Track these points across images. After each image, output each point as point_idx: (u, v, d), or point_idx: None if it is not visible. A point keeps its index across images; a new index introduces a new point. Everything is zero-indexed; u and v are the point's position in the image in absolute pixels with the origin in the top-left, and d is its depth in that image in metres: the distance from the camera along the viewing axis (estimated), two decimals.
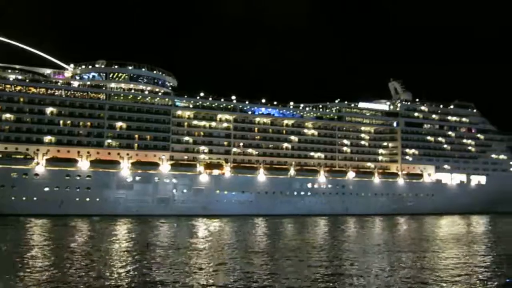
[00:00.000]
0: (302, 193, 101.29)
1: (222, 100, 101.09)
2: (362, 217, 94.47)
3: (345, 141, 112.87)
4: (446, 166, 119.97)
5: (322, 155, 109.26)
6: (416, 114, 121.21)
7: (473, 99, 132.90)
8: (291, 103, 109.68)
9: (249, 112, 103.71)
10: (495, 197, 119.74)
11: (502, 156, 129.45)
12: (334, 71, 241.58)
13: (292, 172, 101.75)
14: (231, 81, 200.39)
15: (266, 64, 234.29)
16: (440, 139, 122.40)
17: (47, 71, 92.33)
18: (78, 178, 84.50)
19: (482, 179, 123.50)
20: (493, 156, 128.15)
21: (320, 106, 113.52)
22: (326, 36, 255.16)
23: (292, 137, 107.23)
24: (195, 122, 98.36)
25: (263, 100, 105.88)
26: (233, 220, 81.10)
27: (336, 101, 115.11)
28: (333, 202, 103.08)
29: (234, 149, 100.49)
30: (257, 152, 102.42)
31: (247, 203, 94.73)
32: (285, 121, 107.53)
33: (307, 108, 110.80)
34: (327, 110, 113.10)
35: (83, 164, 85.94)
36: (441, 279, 34.15)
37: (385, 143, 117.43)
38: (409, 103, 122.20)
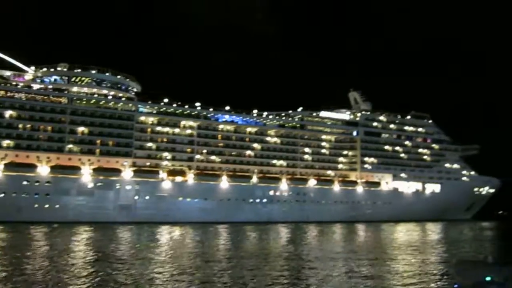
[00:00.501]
0: (264, 200, 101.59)
1: (186, 106, 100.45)
2: (322, 225, 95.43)
3: (307, 149, 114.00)
4: (403, 175, 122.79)
5: (284, 163, 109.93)
6: (375, 123, 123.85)
7: (428, 110, 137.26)
8: (255, 111, 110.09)
9: (213, 119, 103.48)
10: (449, 204, 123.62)
11: (455, 166, 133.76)
12: (297, 80, 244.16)
13: (254, 179, 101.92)
14: (196, 88, 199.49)
15: (232, 71, 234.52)
16: (397, 148, 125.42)
17: (7, 73, 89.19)
18: (37, 184, 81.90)
19: (437, 188, 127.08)
20: (447, 165, 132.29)
21: (283, 114, 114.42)
22: (291, 46, 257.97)
23: (255, 145, 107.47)
24: (158, 128, 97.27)
25: (227, 108, 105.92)
26: (195, 227, 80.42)
27: (299, 110, 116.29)
28: (294, 209, 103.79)
29: (197, 156, 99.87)
30: (220, 159, 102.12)
31: (210, 210, 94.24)
32: (248, 129, 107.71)
33: (270, 116, 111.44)
34: (290, 119, 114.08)
35: (43, 170, 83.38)
36: (394, 286, 34.69)
37: (345, 152, 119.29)
38: (368, 113, 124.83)
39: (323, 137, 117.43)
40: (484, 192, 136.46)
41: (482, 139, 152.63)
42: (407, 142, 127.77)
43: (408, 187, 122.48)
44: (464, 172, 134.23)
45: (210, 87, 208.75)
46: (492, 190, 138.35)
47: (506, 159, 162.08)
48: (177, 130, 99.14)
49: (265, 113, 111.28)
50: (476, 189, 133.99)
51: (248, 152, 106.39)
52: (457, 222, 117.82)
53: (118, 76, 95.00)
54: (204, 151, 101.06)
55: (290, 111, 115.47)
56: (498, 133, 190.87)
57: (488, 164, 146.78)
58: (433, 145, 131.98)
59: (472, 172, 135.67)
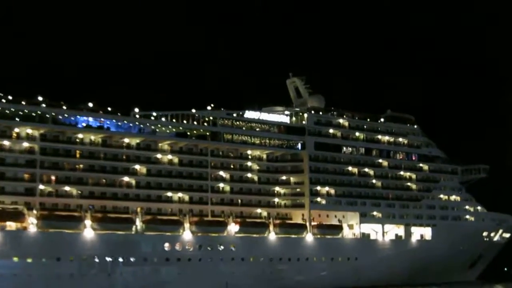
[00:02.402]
0: (156, 259, 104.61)
1: (23, 103, 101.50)
2: None
3: (223, 174, 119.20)
4: (375, 213, 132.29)
5: (186, 196, 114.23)
6: (331, 130, 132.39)
7: (409, 110, 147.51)
8: (136, 110, 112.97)
9: (68, 124, 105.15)
10: (445, 259, 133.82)
11: (454, 197, 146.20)
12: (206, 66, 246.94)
13: (138, 224, 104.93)
14: (38, 75, 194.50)
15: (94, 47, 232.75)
16: (367, 170, 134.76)
17: None
18: None
19: (427, 232, 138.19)
20: (442, 196, 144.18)
21: (182, 114, 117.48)
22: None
23: (138, 167, 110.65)
24: None
25: (90, 104, 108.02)
26: None
27: (208, 109, 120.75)
28: (205, 274, 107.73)
29: (42, 187, 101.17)
30: (80, 192, 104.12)
31: (65, 279, 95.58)
32: (127, 140, 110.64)
33: (162, 119, 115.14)
34: (194, 123, 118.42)
35: None
36: None
37: (284, 177, 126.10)
38: (320, 113, 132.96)
39: (249, 153, 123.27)
40: (496, 238, 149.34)
41: (491, 156, 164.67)
42: (381, 161, 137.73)
43: (385, 232, 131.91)
44: (467, 207, 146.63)
45: (60, 72, 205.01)
46: (507, 235, 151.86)
47: None
48: (6, 143, 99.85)
49: (154, 114, 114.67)
50: (485, 233, 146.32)
51: (127, 179, 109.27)
52: (458, 286, 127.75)
53: None
54: (53, 177, 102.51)
55: (194, 111, 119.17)
56: None
57: (501, 195, 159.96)
58: (421, 165, 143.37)
59: (479, 208, 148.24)
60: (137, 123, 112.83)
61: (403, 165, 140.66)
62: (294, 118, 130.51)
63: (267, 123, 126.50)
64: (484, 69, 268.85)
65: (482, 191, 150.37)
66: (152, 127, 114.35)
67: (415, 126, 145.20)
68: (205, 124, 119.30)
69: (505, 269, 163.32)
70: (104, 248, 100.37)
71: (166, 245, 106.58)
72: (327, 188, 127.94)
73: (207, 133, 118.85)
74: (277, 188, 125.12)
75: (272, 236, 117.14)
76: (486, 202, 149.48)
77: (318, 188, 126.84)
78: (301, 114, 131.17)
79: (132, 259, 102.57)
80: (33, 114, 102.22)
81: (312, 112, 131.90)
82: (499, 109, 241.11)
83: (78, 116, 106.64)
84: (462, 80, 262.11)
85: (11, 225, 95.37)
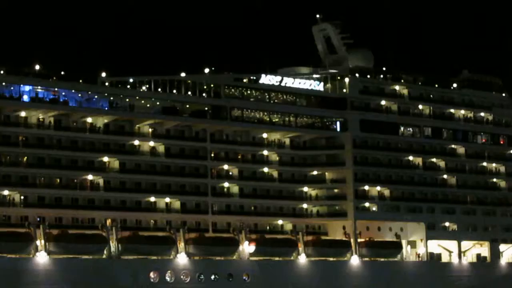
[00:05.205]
0: None
1: None
2: None
3: (228, 168, 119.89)
4: (448, 224, 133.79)
5: (177, 202, 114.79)
6: (384, 102, 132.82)
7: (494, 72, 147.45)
8: (103, 75, 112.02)
9: (7, 97, 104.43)
10: None
11: None
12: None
13: (112, 245, 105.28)
14: None
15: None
16: (435, 161, 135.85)
17: None
18: None
19: None
20: None
21: (170, 81, 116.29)
22: None
23: (107, 159, 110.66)
24: None
25: (38, 67, 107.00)
26: None
27: (206, 71, 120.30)
28: None
29: None
30: (24, 197, 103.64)
31: None
32: (90, 119, 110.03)
33: (142, 88, 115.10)
34: (188, 93, 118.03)
35: None
36: None
37: (317, 172, 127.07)
38: (368, 76, 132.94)
39: (266, 136, 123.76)
40: None
41: None
42: (456, 147, 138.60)
43: (462, 251, 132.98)
44: None
45: None
46: None
47: None
48: None
49: (130, 80, 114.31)
50: None
51: (91, 177, 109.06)
52: None
53: None
54: None
55: (184, 75, 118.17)
56: None
57: None
58: None
59: None
60: (106, 94, 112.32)
61: (487, 153, 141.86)
62: (329, 85, 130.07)
63: (292, 93, 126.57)
64: None
65: None
66: (127, 100, 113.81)
67: (504, 94, 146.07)
68: (204, 94, 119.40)
69: None
70: (64, 279, 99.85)
71: (152, 274, 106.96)
72: (378, 188, 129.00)
73: (206, 108, 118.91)
74: (306, 189, 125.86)
75: (301, 259, 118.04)
76: None
77: (366, 187, 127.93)
78: (339, 78, 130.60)
79: None
80: None
81: (356, 75, 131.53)
82: None
83: (21, 85, 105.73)
84: None
85: None
